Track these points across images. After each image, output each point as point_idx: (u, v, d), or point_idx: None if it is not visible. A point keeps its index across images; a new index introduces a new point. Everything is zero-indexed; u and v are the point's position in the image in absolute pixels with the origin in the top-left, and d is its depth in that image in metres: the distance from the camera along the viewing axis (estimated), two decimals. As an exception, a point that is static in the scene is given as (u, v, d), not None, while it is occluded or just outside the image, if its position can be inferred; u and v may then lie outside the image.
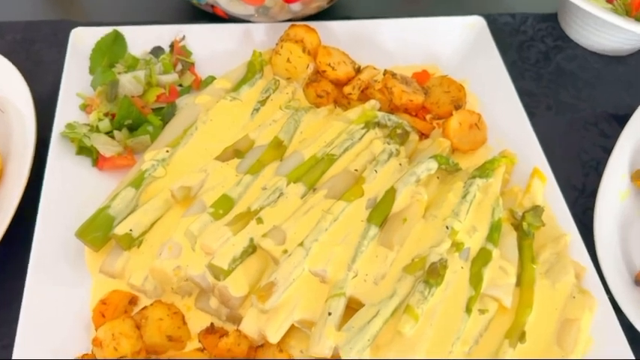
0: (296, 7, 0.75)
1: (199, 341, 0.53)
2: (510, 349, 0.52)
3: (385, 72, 0.71)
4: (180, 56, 0.73)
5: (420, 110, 0.71)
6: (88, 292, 0.55)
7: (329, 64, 0.72)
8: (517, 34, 0.88)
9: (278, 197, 0.58)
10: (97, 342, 0.49)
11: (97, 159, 0.63)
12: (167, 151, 0.61)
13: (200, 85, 0.72)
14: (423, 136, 0.69)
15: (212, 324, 0.54)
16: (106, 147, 0.63)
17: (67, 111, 0.66)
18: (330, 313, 0.50)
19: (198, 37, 0.75)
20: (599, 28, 0.82)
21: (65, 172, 0.62)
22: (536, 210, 0.61)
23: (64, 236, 0.57)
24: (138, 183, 0.58)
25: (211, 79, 0.72)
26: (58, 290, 0.54)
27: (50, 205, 0.59)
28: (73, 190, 0.61)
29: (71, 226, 0.56)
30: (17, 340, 0.51)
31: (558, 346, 0.53)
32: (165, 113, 0.68)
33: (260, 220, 0.56)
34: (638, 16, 0.82)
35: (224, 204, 0.57)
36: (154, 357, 0.53)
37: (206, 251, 0.54)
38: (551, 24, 0.91)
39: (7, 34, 0.79)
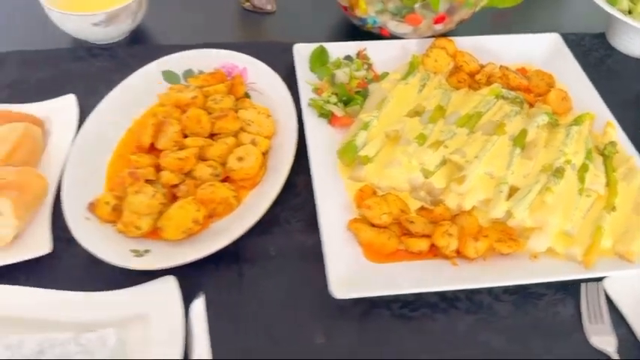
0: (438, 27, 1.14)
1: (417, 214, 0.89)
2: (607, 215, 0.87)
3: (501, 66, 1.10)
4: (364, 60, 1.12)
5: (526, 90, 1.08)
6: (344, 188, 0.92)
7: (464, 61, 1.10)
8: (577, 46, 1.27)
9: (452, 135, 0.95)
10: (365, 206, 0.85)
11: (331, 119, 1.01)
12: (377, 112, 0.99)
13: (378, 78, 1.11)
14: (530, 106, 1.07)
15: (422, 205, 0.90)
16: (338, 111, 1.01)
17: (306, 92, 1.05)
18: (501, 192, 0.86)
19: (373, 48, 1.14)
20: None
21: (314, 126, 0.99)
22: (612, 143, 0.97)
23: (326, 160, 0.95)
24: (365, 127, 0.96)
25: (386, 74, 1.11)
26: (329, 186, 0.91)
27: (315, 143, 0.96)
28: (321, 135, 0.99)
29: (328, 152, 0.95)
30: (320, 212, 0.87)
31: (636, 214, 0.88)
32: (363, 94, 1.06)
33: (446, 146, 0.93)
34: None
35: (422, 138, 0.93)
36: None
37: (419, 162, 0.90)
38: (601, 40, 1.30)
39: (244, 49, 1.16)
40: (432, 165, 0.90)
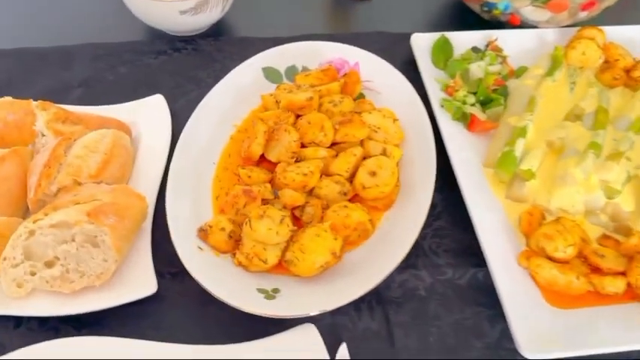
0: (583, 14, 0.96)
1: (599, 244, 0.72)
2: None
3: (663, 62, 0.91)
4: (497, 52, 0.95)
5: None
6: (502, 209, 0.75)
7: (619, 55, 0.92)
8: None
9: (631, 144, 0.77)
10: (544, 235, 0.68)
11: (469, 123, 0.84)
12: (530, 114, 0.82)
13: (514, 73, 0.94)
14: None
15: (603, 233, 0.73)
16: (480, 114, 0.84)
17: (434, 91, 0.87)
18: None
19: (504, 39, 0.96)
20: None
21: (451, 133, 0.82)
22: None
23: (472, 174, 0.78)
24: (522, 134, 0.79)
25: (524, 68, 0.93)
26: (484, 208, 0.74)
27: (458, 154, 0.79)
28: (460, 143, 0.81)
29: (471, 164, 0.78)
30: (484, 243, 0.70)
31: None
32: (501, 92, 0.89)
33: (628, 159, 0.75)
34: None
35: (596, 148, 0.76)
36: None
37: (599, 178, 0.73)
38: None
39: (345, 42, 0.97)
40: (618, 182, 0.73)
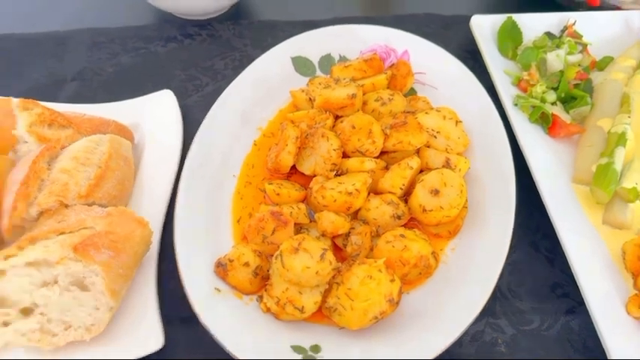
0: (681, -9, 0.79)
1: None
2: None
3: None
4: (575, 39, 0.78)
5: None
6: (601, 242, 0.59)
7: None
8: None
9: None
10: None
11: (551, 126, 0.68)
12: (628, 117, 0.66)
13: (596, 64, 0.77)
14: None
15: None
16: (564, 115, 0.68)
17: (503, 85, 0.72)
18: None
19: (583, 22, 0.79)
20: None
21: (529, 138, 0.66)
22: None
23: (558, 190, 0.62)
24: (621, 142, 0.63)
25: (609, 58, 0.77)
26: (577, 237, 0.59)
27: (539, 165, 0.63)
28: (540, 151, 0.65)
29: (556, 177, 0.62)
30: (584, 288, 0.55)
31: None
32: (584, 88, 0.73)
33: None
34: None
35: None
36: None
37: None
38: None
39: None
40: None
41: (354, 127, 0.61)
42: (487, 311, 0.56)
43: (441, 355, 0.50)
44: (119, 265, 0.51)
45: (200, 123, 0.67)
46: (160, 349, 0.51)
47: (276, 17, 0.88)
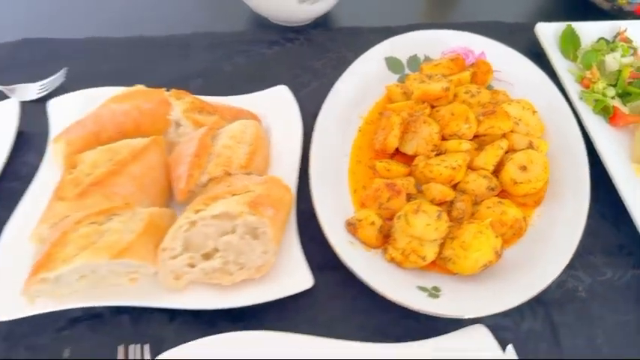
0: None
1: None
2: None
3: None
4: (627, 43, 0.90)
5: None
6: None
7: None
8: None
9: None
10: None
11: (612, 117, 0.80)
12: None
13: (646, 65, 0.89)
14: None
15: None
16: (623, 107, 0.80)
17: (569, 82, 0.84)
18: None
19: (633, 30, 0.92)
20: None
21: (595, 127, 0.78)
22: None
23: (625, 171, 0.74)
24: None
25: (659, 60, 0.89)
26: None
27: (607, 149, 0.75)
28: (604, 138, 0.77)
29: (621, 161, 0.74)
30: None
31: None
32: (637, 85, 0.85)
33: None
34: None
35: None
36: None
37: None
38: None
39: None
40: None
41: (453, 114, 0.74)
42: (569, 266, 0.66)
43: (533, 298, 0.63)
44: (279, 219, 0.64)
45: (310, 113, 0.80)
46: (309, 289, 0.64)
47: (359, 24, 1.02)
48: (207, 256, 0.63)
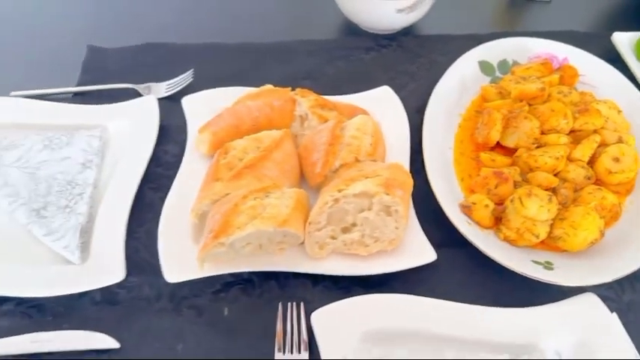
0: None
1: None
2: None
3: None
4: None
5: None
6: None
7: None
8: None
9: None
10: None
11: None
12: None
13: None
14: None
15: None
16: None
17: (651, 85, 0.92)
18: None
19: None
20: None
21: None
22: None
23: None
24: None
25: None
26: None
27: None
28: None
29: None
30: None
31: None
32: None
33: None
34: None
35: None
36: None
37: None
38: None
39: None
40: None
41: (552, 111, 0.83)
42: None
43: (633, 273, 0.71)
44: (406, 199, 0.73)
45: (411, 113, 0.90)
46: (431, 263, 0.73)
47: (444, 32, 1.11)
48: (346, 230, 0.72)
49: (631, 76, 0.95)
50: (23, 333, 0.68)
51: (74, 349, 0.67)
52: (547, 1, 1.20)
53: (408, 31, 1.12)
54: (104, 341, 0.67)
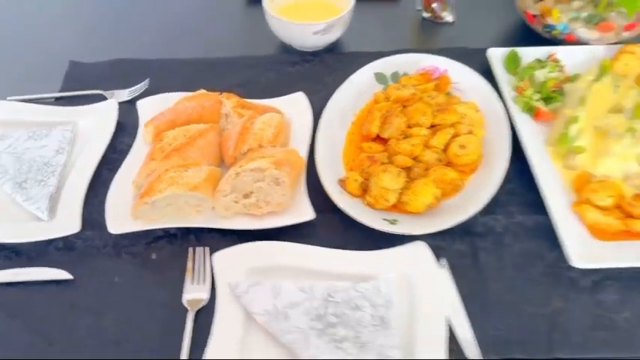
0: (626, 34, 1.22)
1: (632, 199, 0.96)
2: None
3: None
4: (555, 63, 1.21)
5: None
6: (559, 175, 1.01)
7: (656, 65, 1.17)
8: None
9: (661, 129, 1.02)
10: (591, 189, 0.94)
11: (535, 114, 1.11)
12: (582, 108, 1.08)
13: (569, 79, 1.20)
14: None
15: (636, 193, 0.97)
16: (544, 107, 1.11)
17: (507, 90, 1.15)
18: None
19: (563, 53, 1.23)
20: None
21: (521, 121, 1.10)
22: None
23: (537, 150, 1.05)
24: (575, 121, 1.05)
25: (577, 75, 1.19)
26: (546, 173, 1.01)
27: (526, 135, 1.06)
28: (528, 129, 1.08)
29: (536, 143, 1.05)
30: (545, 195, 0.98)
31: None
32: (559, 93, 1.16)
33: (656, 137, 1.00)
34: None
35: (633, 130, 1.01)
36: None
37: (634, 153, 0.98)
38: None
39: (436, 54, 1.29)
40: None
41: (416, 110, 1.07)
42: (491, 212, 0.97)
43: (464, 230, 0.94)
44: (294, 174, 0.97)
45: (319, 112, 1.14)
46: (311, 221, 0.96)
47: (358, 49, 1.36)
48: (246, 196, 0.96)
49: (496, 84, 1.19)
50: (6, 269, 0.94)
51: (41, 279, 0.92)
52: (451, 23, 1.44)
53: (331, 49, 1.37)
54: (62, 274, 0.92)
